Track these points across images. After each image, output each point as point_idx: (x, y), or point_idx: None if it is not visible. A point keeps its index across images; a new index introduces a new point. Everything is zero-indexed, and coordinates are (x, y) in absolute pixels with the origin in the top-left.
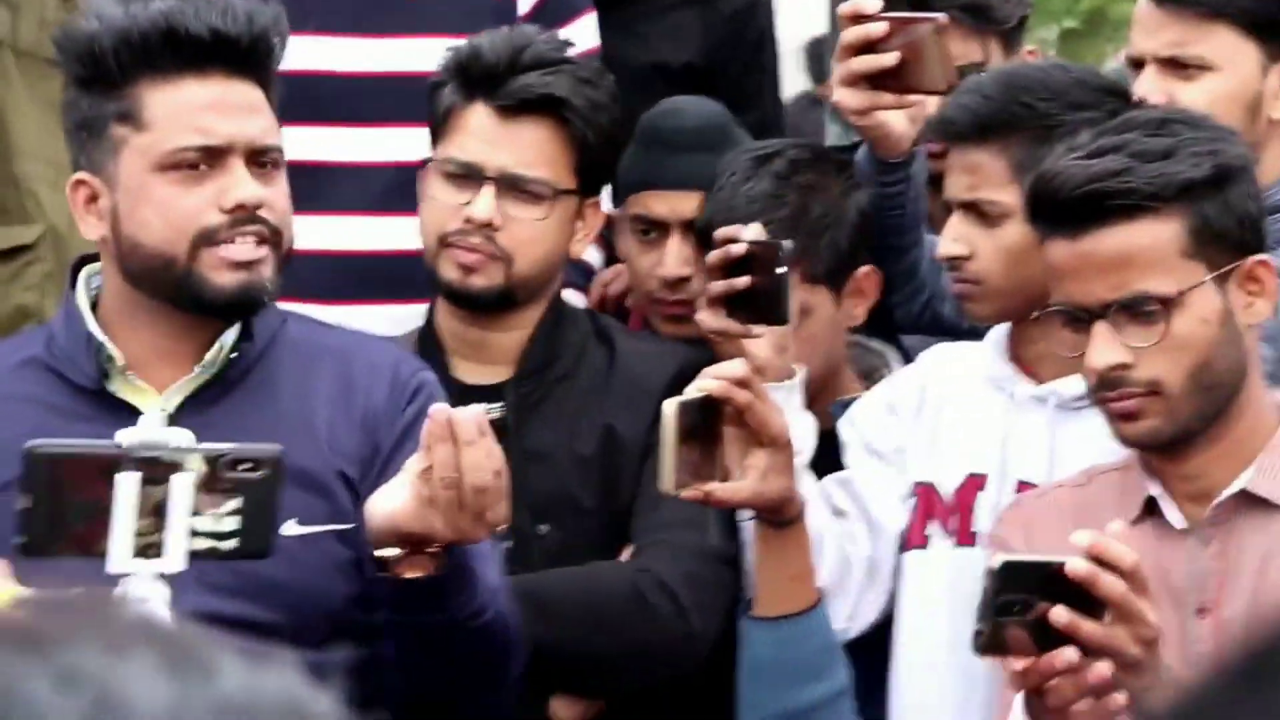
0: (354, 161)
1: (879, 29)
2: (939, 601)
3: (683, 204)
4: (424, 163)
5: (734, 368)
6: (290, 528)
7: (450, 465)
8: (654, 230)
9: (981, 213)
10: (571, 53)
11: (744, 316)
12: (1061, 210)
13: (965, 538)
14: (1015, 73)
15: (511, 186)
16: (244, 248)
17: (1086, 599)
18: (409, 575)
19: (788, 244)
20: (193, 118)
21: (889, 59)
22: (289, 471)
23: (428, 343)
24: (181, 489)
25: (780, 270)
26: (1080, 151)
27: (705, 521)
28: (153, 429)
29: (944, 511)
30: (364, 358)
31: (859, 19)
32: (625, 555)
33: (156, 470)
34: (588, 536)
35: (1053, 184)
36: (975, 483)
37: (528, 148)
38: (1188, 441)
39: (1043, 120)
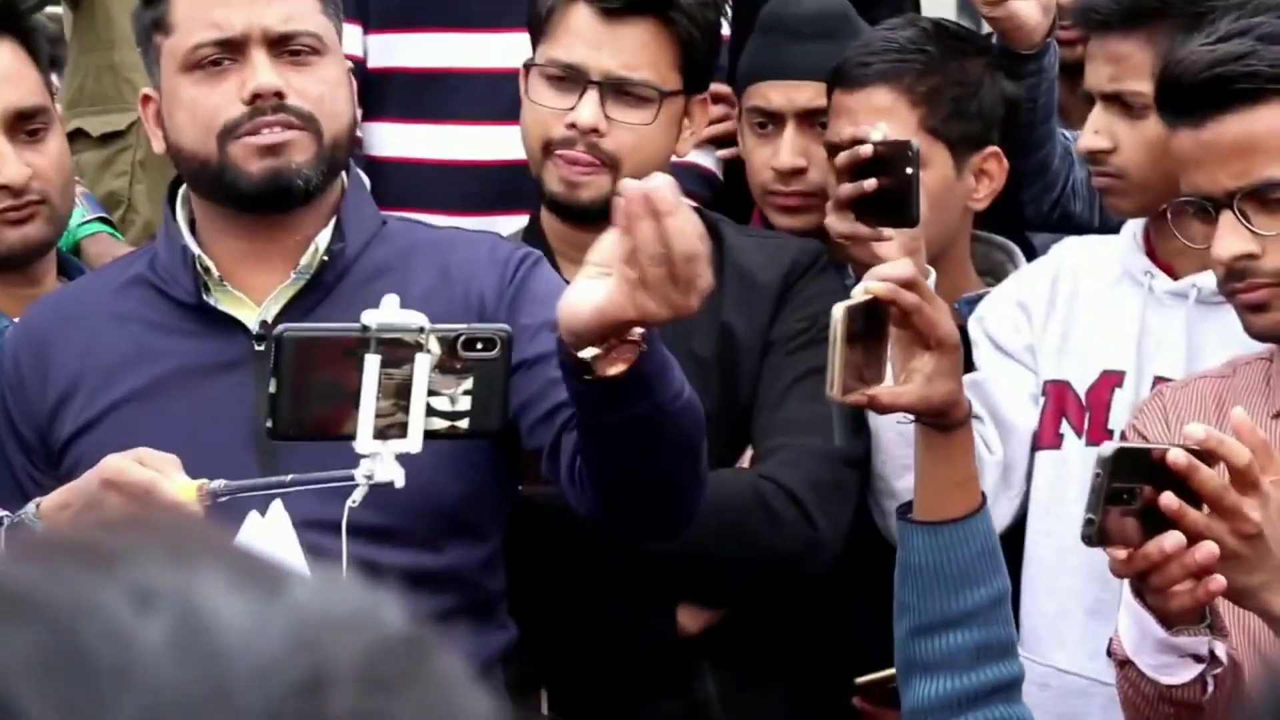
0: (476, 68)
1: None
2: (1072, 502)
3: (799, 94)
4: (527, 69)
5: (900, 269)
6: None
7: (656, 239)
8: (770, 122)
9: (1125, 104)
10: None
11: (873, 219)
12: (1185, 96)
13: (1099, 434)
14: None
15: (616, 90)
16: (268, 134)
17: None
18: (614, 371)
19: (915, 143)
20: (208, 12)
21: None
22: None
23: (533, 244)
24: (422, 370)
25: (909, 170)
26: (1209, 37)
27: (828, 423)
28: (392, 311)
29: (1078, 409)
30: (460, 248)
31: None
32: (746, 459)
33: (397, 351)
34: (710, 438)
35: (1176, 70)
36: (1111, 379)
37: (632, 50)
38: None
39: (1190, 6)
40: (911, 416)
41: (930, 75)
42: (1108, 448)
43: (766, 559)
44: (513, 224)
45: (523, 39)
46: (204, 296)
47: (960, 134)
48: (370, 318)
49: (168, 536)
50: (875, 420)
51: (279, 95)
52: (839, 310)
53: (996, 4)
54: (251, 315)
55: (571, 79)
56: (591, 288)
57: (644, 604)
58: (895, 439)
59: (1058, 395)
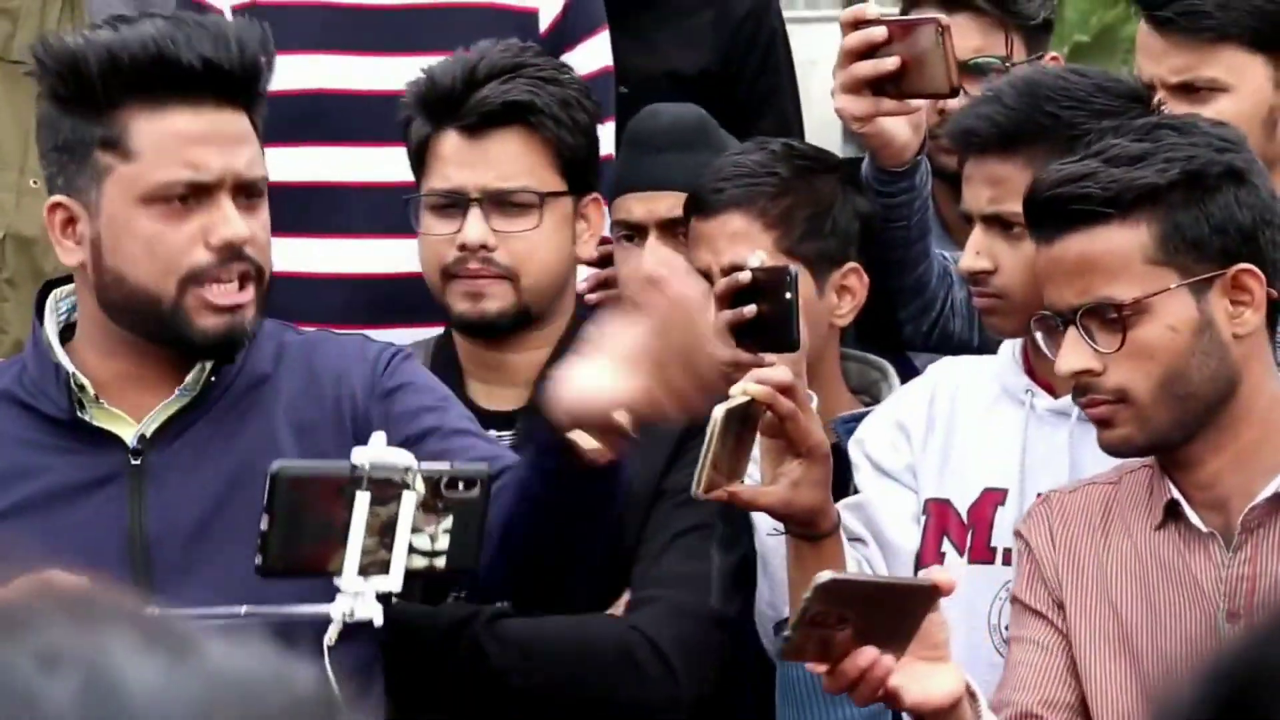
0: (368, 182)
1: (879, 34)
2: (954, 621)
3: (658, 204)
4: (407, 202)
5: (779, 374)
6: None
7: (684, 342)
8: (635, 234)
9: (1005, 225)
10: (591, 68)
11: (754, 345)
12: (1035, 214)
13: (982, 552)
14: (1035, 80)
15: (497, 203)
16: (229, 291)
17: (888, 620)
18: (603, 459)
19: (794, 268)
20: (182, 150)
21: (890, 63)
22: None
23: (444, 361)
24: (407, 509)
25: (788, 295)
26: (1068, 159)
27: (706, 580)
28: (380, 449)
29: (960, 528)
30: (326, 348)
31: (859, 24)
32: (621, 605)
33: (384, 490)
34: (589, 583)
35: (1031, 189)
36: (993, 497)
37: (505, 160)
38: (1177, 450)
39: (1068, 129)
40: (782, 527)
41: (782, 197)
42: (822, 575)
43: (625, 707)
44: (406, 335)
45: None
46: (77, 412)
47: (817, 252)
48: (361, 456)
49: (73, 603)
50: (764, 550)
51: (244, 244)
52: (719, 411)
53: (866, 120)
54: (128, 430)
55: (454, 203)
56: (601, 378)
57: None
58: (779, 564)
59: (939, 514)
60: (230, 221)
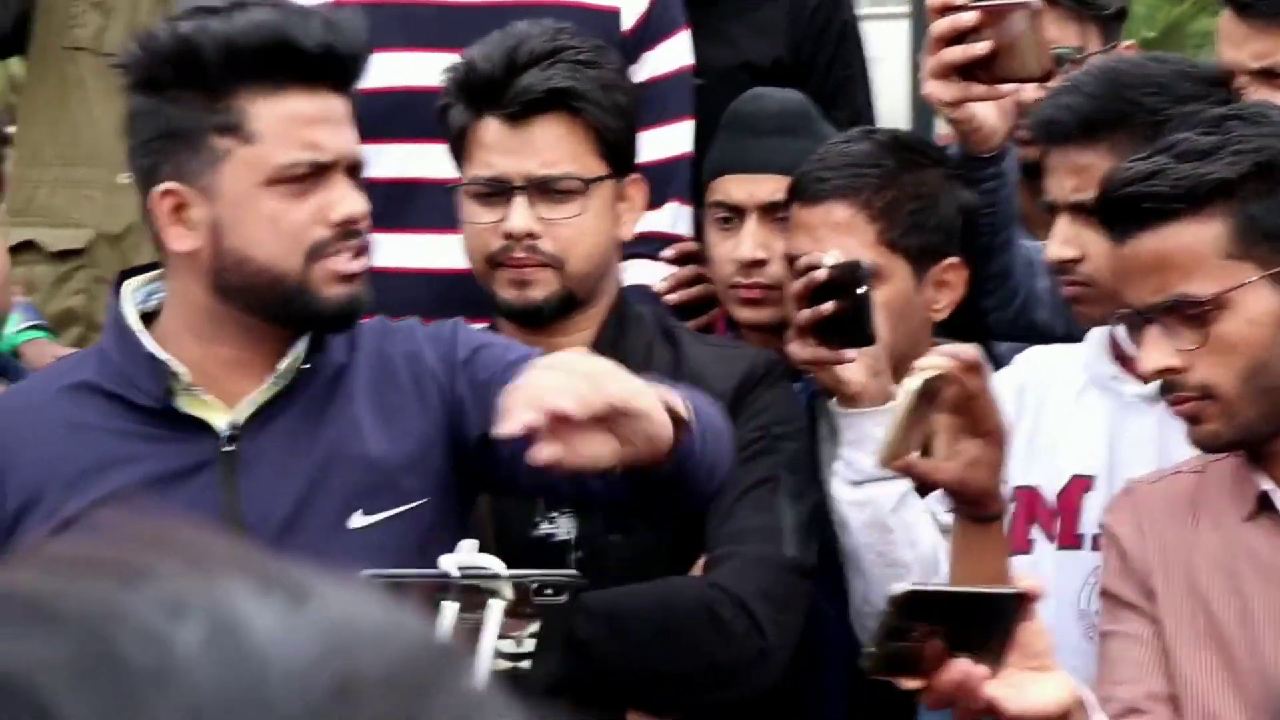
0: (449, 178)
1: (969, 19)
2: (1041, 608)
3: (760, 187)
4: (451, 190)
5: (968, 351)
6: (357, 519)
7: None
8: (733, 216)
9: (1091, 214)
10: (672, 66)
11: (833, 342)
12: (1108, 213)
13: (1070, 539)
14: (1116, 68)
15: (542, 190)
16: (350, 261)
17: (978, 631)
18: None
19: (866, 263)
20: (303, 132)
21: (980, 49)
22: (360, 464)
23: None
24: (494, 616)
25: (861, 290)
26: (1141, 153)
27: (780, 531)
28: (470, 555)
29: (1047, 514)
30: (393, 335)
31: (948, 10)
32: (698, 567)
33: (473, 597)
34: (659, 544)
35: (1103, 187)
36: (1081, 484)
37: (548, 147)
38: (1265, 443)
39: (1150, 116)
40: (949, 504)
41: (887, 189)
42: (897, 588)
43: (715, 668)
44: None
45: None
46: (169, 400)
47: (919, 246)
48: (450, 563)
49: (189, 551)
50: (850, 542)
51: (361, 220)
52: (913, 383)
53: (956, 105)
54: (218, 417)
55: (497, 191)
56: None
57: (593, 711)
58: (874, 560)
59: (1027, 501)
60: (348, 199)
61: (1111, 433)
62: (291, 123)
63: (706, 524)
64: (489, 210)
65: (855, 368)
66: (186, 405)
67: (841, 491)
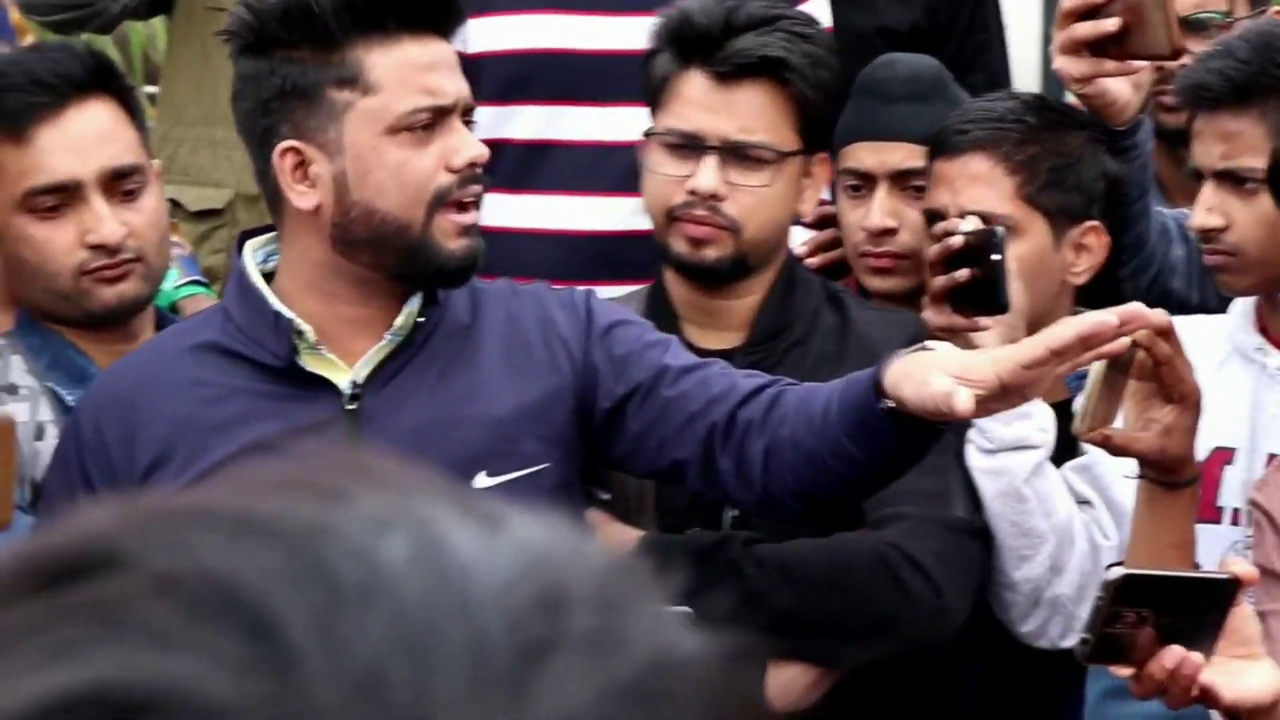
0: (583, 140)
1: None
2: None
3: (891, 155)
4: (646, 135)
5: (1158, 316)
6: (482, 480)
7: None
8: (863, 183)
9: (1238, 181)
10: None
11: (968, 309)
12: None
13: (1208, 511)
14: (1268, 33)
15: (734, 154)
16: (469, 213)
17: (1190, 616)
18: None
19: (1000, 229)
20: (421, 78)
21: (1111, 24)
22: (484, 424)
23: (658, 306)
24: None
25: (995, 257)
26: None
27: (949, 493)
28: None
29: None
30: (522, 297)
31: None
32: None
33: None
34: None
35: (1273, 159)
36: (1222, 456)
37: (749, 113)
38: None
39: None
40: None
41: (1028, 144)
42: (1114, 573)
43: (889, 623)
44: (614, 292)
45: (629, 111)
46: (294, 358)
47: (1058, 205)
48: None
49: (386, 476)
50: (992, 512)
51: (485, 162)
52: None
53: (1086, 81)
54: (340, 375)
55: (690, 146)
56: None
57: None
58: (1009, 530)
59: None
60: (470, 143)
61: (1253, 405)
62: (409, 70)
63: None
64: (677, 163)
65: (990, 336)
66: (310, 363)
67: (975, 461)
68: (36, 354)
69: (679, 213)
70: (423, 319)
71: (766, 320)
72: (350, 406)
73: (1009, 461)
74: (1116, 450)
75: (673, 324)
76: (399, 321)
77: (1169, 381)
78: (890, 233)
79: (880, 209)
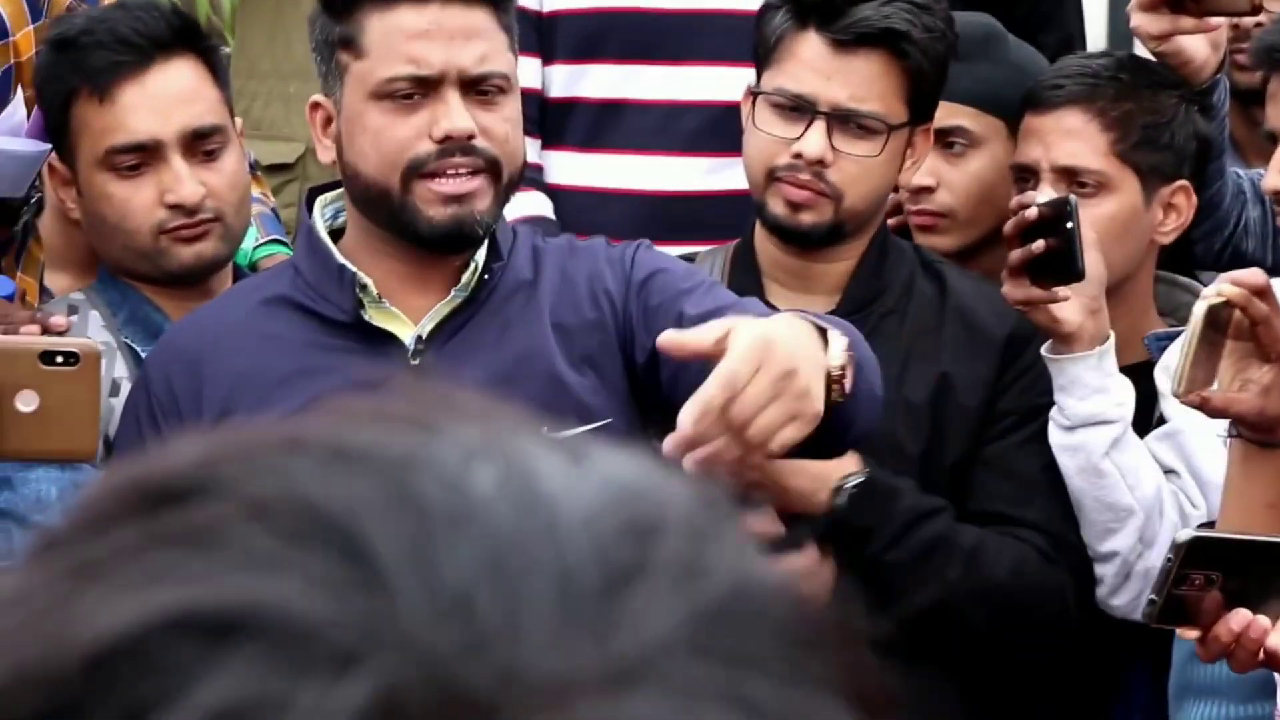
0: (658, 100)
1: None
2: None
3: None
4: (753, 95)
5: (1254, 275)
6: None
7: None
8: None
9: None
10: None
11: (1045, 280)
12: None
13: None
14: None
15: (844, 122)
16: (455, 181)
17: (1258, 579)
18: None
19: (1073, 197)
20: (405, 46)
21: None
22: (546, 380)
23: (744, 263)
24: None
25: (1069, 225)
26: None
27: (1062, 504)
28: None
29: None
30: (578, 253)
31: None
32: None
33: None
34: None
35: None
36: None
37: (862, 82)
38: None
39: None
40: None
41: (1123, 101)
42: (1183, 534)
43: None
44: (686, 252)
45: (703, 71)
46: (359, 313)
47: (1150, 164)
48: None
49: (475, 410)
50: (1074, 487)
51: (469, 137)
52: (1200, 307)
53: (1164, 39)
54: (406, 331)
55: (799, 108)
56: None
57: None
58: (1092, 505)
59: None
60: (452, 115)
61: None
62: (396, 36)
63: (974, 476)
64: (784, 124)
65: (1071, 307)
66: (375, 318)
67: (1054, 438)
68: (115, 309)
69: (781, 174)
70: (487, 276)
71: (859, 287)
72: (414, 362)
73: (1086, 437)
74: (1215, 412)
75: (756, 283)
76: (465, 278)
77: (1266, 340)
78: (929, 190)
79: (922, 167)
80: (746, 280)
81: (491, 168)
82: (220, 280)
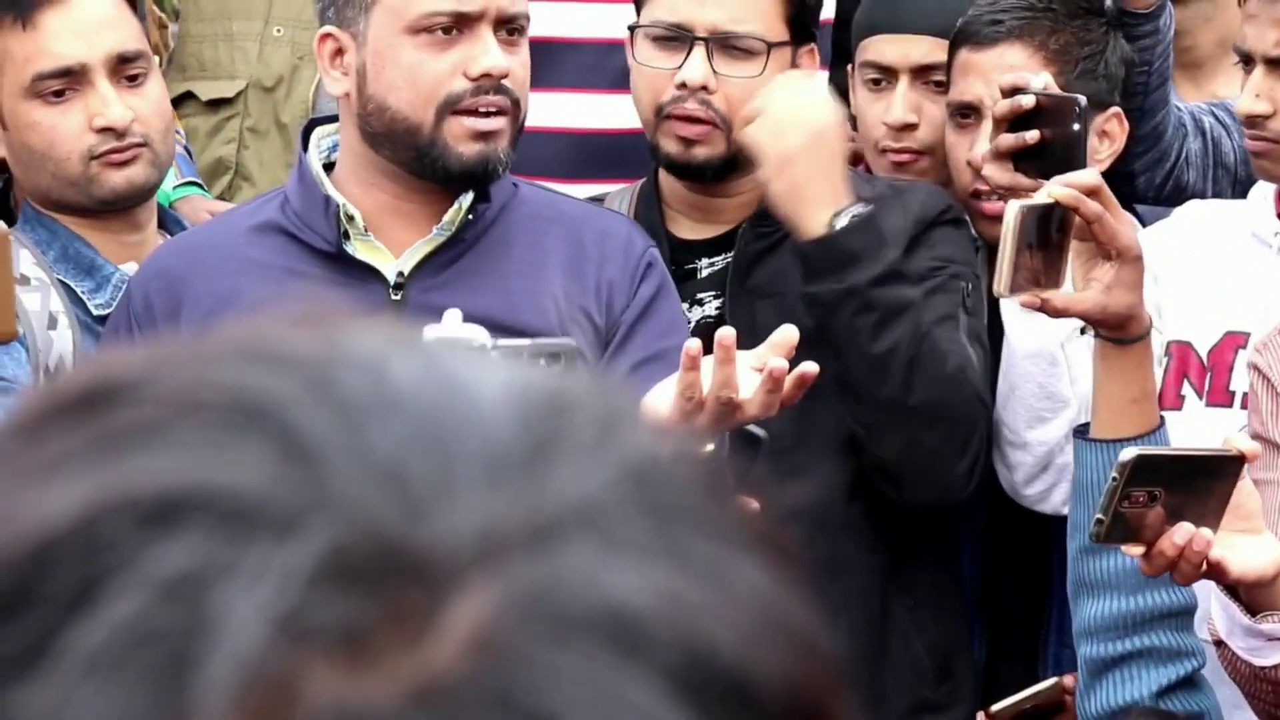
0: (582, 38)
1: None
2: None
3: (913, 48)
4: (632, 31)
5: (1085, 176)
6: None
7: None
8: (884, 77)
9: None
10: None
11: (1033, 170)
12: None
13: (1220, 395)
14: None
15: (723, 45)
16: (486, 120)
17: (1196, 493)
18: None
19: (1083, 99)
20: None
21: None
22: (517, 332)
23: (646, 205)
24: None
25: (1076, 126)
26: None
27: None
28: (455, 326)
29: (1199, 370)
30: (596, 226)
31: None
32: None
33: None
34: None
35: None
36: (1235, 340)
37: (738, 3)
38: None
39: None
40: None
41: (1060, 33)
42: (1128, 453)
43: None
44: (610, 190)
45: (632, 10)
46: (343, 245)
47: (1088, 93)
48: (431, 333)
49: (385, 324)
50: (1011, 369)
51: (504, 76)
52: (1013, 208)
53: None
54: (389, 265)
55: (677, 38)
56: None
57: None
58: (1033, 390)
59: (1180, 356)
60: (490, 53)
61: (1267, 289)
62: None
63: None
64: (665, 56)
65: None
66: (360, 250)
67: (1013, 316)
68: (44, 247)
69: (669, 109)
70: (471, 216)
71: (764, 209)
72: (396, 297)
73: (1048, 322)
74: (1056, 312)
75: (659, 219)
76: (447, 217)
77: (1103, 239)
78: (911, 127)
79: (902, 103)
80: (651, 214)
81: (514, 108)
82: (147, 211)
